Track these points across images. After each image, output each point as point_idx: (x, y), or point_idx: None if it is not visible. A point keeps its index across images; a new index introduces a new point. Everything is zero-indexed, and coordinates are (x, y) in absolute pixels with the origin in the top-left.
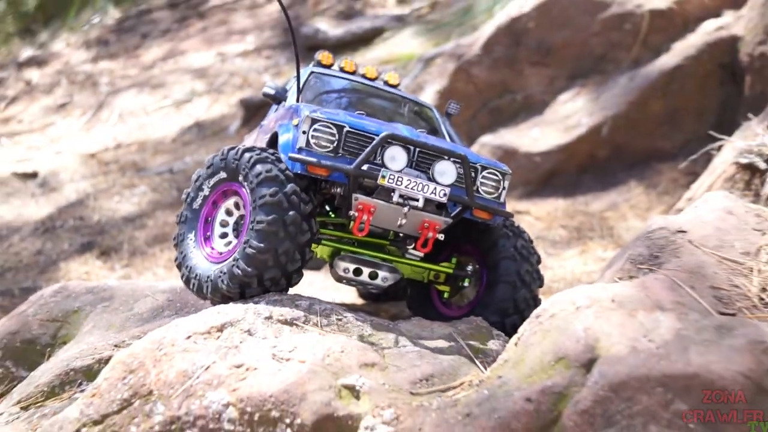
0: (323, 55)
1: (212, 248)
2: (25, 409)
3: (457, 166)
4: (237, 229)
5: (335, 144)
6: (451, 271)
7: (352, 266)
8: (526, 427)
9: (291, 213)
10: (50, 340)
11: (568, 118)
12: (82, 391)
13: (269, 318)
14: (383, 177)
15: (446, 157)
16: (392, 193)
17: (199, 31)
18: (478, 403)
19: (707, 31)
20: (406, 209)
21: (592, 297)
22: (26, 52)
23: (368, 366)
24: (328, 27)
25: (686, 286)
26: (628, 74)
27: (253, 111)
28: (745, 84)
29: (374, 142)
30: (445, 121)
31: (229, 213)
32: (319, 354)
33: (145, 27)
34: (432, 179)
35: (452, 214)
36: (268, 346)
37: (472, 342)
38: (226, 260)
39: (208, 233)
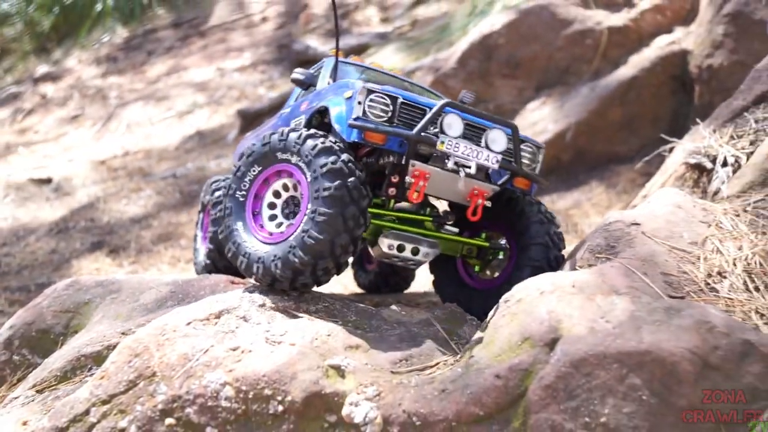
0: (352, 58)
1: (262, 228)
2: (39, 392)
3: (508, 135)
4: (287, 211)
5: (390, 114)
6: (487, 244)
7: (396, 242)
8: (495, 401)
9: (351, 207)
10: (63, 329)
11: (535, 124)
12: (91, 374)
13: (263, 305)
14: (442, 143)
15: (499, 126)
16: (447, 160)
17: (200, 48)
18: (452, 380)
19: (660, 45)
20: (462, 175)
21: (555, 283)
22: (42, 69)
23: (353, 348)
24: (318, 44)
25: (639, 273)
26: (589, 85)
27: (250, 120)
28: (694, 93)
29: (435, 108)
30: None
31: (277, 195)
32: (308, 337)
33: (151, 45)
34: (486, 146)
35: (498, 183)
36: (261, 331)
37: (447, 326)
38: (278, 243)
39: (257, 211)
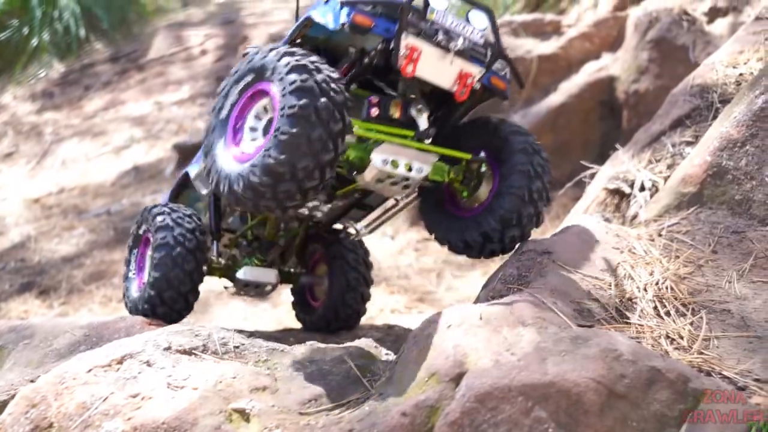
0: None
1: (242, 151)
2: None
3: (488, 16)
4: (266, 130)
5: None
6: (468, 155)
7: (390, 157)
8: None
9: (318, 129)
10: None
11: None
12: None
13: (168, 348)
14: (432, 12)
15: (477, 7)
16: (436, 35)
17: (138, 82)
18: (360, 419)
19: (588, 72)
20: (452, 47)
21: (463, 316)
22: None
23: (259, 390)
24: None
25: (548, 302)
26: (521, 112)
27: (187, 154)
28: (622, 118)
29: None
30: None
31: (258, 118)
32: (211, 380)
33: (88, 80)
34: (468, 22)
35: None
36: (164, 376)
37: (361, 362)
38: (245, 162)
39: (238, 129)
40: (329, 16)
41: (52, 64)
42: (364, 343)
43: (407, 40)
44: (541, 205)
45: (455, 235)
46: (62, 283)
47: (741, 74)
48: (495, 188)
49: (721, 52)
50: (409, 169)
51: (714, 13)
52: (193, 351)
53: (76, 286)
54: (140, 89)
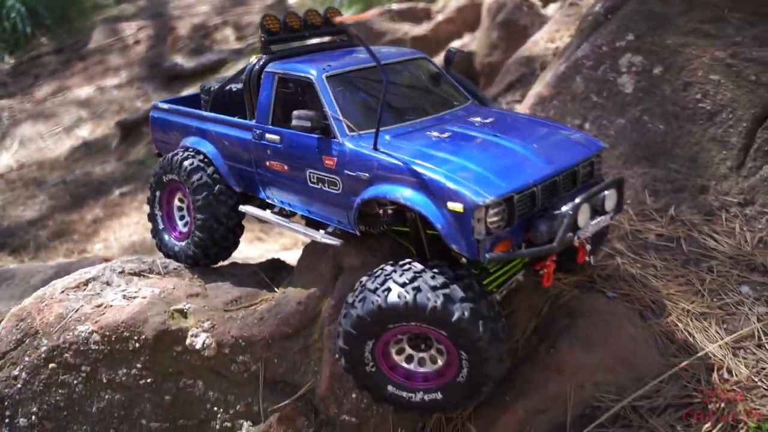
0: (269, 20)
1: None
2: None
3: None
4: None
5: (506, 218)
6: None
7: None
8: (300, 321)
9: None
10: None
11: None
12: None
13: (122, 272)
14: (578, 239)
15: (611, 186)
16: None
17: (82, 70)
18: (268, 310)
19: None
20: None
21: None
22: None
23: (194, 296)
24: (184, 61)
25: None
26: None
27: (128, 130)
28: (480, 84)
29: (567, 218)
30: (449, 69)
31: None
32: (157, 291)
33: (37, 70)
34: (601, 210)
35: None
36: (120, 290)
37: (271, 274)
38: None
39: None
40: (459, 244)
41: (3, 58)
42: (273, 259)
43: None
44: None
45: None
46: (30, 242)
47: (557, 47)
48: None
49: (544, 31)
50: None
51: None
52: (142, 273)
53: (42, 244)
54: (84, 76)
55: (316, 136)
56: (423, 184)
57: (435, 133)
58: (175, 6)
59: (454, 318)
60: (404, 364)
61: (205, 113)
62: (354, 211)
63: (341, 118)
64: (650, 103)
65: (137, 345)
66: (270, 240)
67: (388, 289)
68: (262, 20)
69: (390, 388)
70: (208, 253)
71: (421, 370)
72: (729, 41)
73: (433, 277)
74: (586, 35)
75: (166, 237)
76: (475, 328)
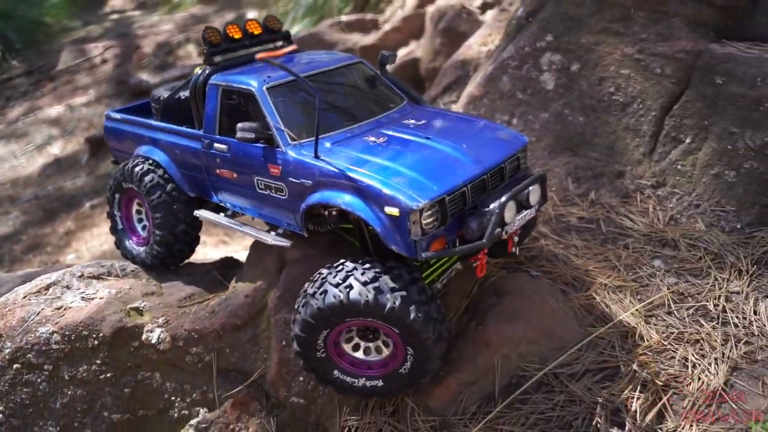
0: (210, 32)
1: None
2: None
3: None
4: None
5: (440, 218)
6: None
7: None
8: (248, 312)
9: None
10: None
11: None
12: None
13: (81, 276)
14: (506, 233)
15: (534, 182)
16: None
17: (51, 90)
18: (219, 304)
19: (400, 55)
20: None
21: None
22: None
23: (149, 294)
24: (149, 77)
25: None
26: None
27: (97, 145)
28: (425, 88)
29: (494, 216)
30: (384, 71)
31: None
32: (114, 292)
33: (8, 91)
34: (527, 205)
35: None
36: (79, 293)
37: (224, 272)
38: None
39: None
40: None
41: None
42: (227, 259)
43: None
44: None
45: None
46: (5, 255)
47: (489, 50)
48: None
49: (477, 35)
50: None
51: (485, 6)
52: (101, 276)
53: (17, 257)
54: (54, 96)
55: (260, 145)
56: (361, 190)
57: (372, 138)
58: (140, 25)
59: (410, 318)
60: (351, 353)
61: (155, 123)
62: (301, 214)
63: (283, 128)
64: (570, 97)
65: (96, 342)
66: (234, 243)
67: (350, 287)
68: (203, 33)
69: (336, 372)
70: (172, 249)
71: (367, 358)
72: (636, 38)
73: (393, 279)
74: (511, 38)
75: (126, 241)
76: (426, 329)
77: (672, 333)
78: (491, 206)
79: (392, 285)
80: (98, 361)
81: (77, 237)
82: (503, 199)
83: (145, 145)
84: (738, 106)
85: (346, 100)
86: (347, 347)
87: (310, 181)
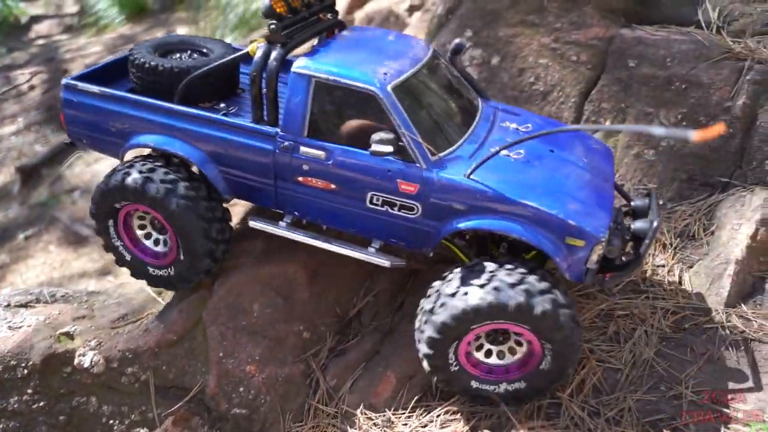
0: (276, 3)
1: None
2: None
3: None
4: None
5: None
6: None
7: None
8: (182, 326)
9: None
10: None
11: None
12: None
13: (8, 306)
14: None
15: None
16: None
17: None
18: (152, 321)
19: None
20: None
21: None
22: None
23: (80, 318)
24: None
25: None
26: None
27: (29, 174)
28: None
29: (651, 232)
30: (456, 62)
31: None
32: (42, 318)
33: None
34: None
35: None
36: (6, 323)
37: (157, 290)
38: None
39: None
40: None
41: None
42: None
43: None
44: None
45: None
46: None
47: None
48: None
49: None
50: None
51: (412, 9)
52: (28, 304)
53: None
54: None
55: (391, 159)
56: (539, 220)
57: (511, 155)
58: (67, 49)
59: (537, 312)
60: (485, 359)
61: (184, 109)
62: (440, 236)
63: (421, 140)
64: (493, 90)
65: (26, 371)
66: None
67: (467, 293)
68: (268, 4)
69: (474, 383)
70: (216, 255)
71: (502, 362)
72: (551, 28)
73: (508, 275)
74: (433, 36)
75: (149, 270)
76: (557, 318)
77: (602, 310)
78: (638, 224)
79: (510, 281)
80: (29, 391)
81: (12, 270)
82: (657, 216)
83: (153, 134)
84: (651, 87)
85: (446, 101)
86: (479, 355)
87: (462, 205)
